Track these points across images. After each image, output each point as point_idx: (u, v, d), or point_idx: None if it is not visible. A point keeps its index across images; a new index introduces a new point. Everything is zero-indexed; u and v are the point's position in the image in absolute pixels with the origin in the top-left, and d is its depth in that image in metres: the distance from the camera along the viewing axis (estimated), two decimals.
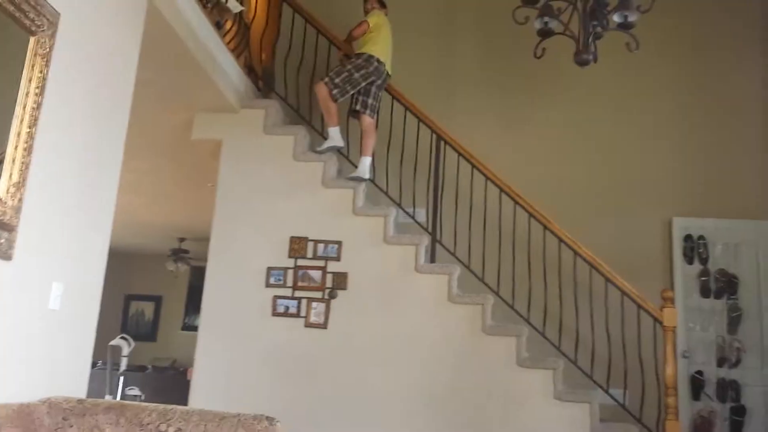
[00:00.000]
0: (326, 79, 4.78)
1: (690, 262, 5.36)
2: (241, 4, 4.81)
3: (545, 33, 3.85)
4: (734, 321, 5.23)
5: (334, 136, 4.86)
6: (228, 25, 4.76)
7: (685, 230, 5.40)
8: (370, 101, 4.89)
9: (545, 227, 4.66)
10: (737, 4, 5.78)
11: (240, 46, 4.92)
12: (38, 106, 2.52)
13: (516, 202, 4.73)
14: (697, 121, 5.61)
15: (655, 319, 4.27)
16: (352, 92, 4.82)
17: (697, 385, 5.15)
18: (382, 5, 5.03)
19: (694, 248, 5.37)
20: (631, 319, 4.47)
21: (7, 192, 2.39)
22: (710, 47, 5.73)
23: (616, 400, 4.42)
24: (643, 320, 4.42)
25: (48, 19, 2.54)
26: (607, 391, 4.43)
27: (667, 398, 4.13)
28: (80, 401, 2.54)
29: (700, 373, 5.17)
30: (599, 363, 4.55)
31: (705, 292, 5.31)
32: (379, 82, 4.88)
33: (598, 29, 3.71)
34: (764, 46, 5.66)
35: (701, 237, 5.37)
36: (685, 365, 5.16)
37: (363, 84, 4.80)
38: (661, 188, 5.50)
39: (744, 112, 5.60)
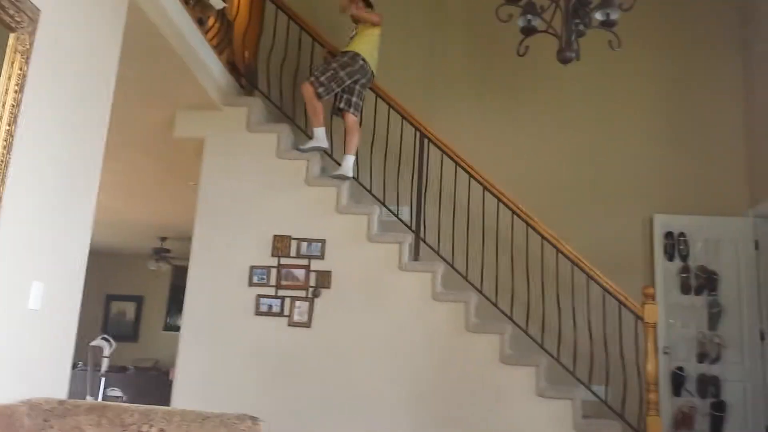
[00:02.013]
0: (311, 78, 4.76)
1: (671, 258, 5.42)
2: (224, 0, 4.78)
3: (528, 31, 3.87)
4: (714, 317, 5.29)
5: (320, 137, 4.85)
6: (211, 21, 4.72)
7: (666, 227, 5.45)
8: (354, 99, 4.88)
9: (528, 225, 4.68)
10: (717, 4, 5.84)
11: (223, 43, 4.89)
12: (18, 103, 2.48)
13: (499, 200, 4.75)
14: (678, 118, 5.67)
15: (637, 316, 4.31)
16: (337, 90, 4.81)
17: (677, 380, 5.21)
18: (368, 5, 5.02)
19: (675, 245, 5.42)
20: (612, 316, 4.51)
21: None
22: (690, 45, 5.79)
23: (598, 397, 4.45)
24: (624, 317, 4.46)
25: (28, 16, 2.51)
26: (589, 388, 4.46)
27: (649, 394, 4.17)
28: (61, 402, 2.52)
29: (680, 369, 5.23)
30: (581, 359, 4.58)
31: (685, 288, 5.36)
32: (363, 80, 4.87)
33: (581, 27, 3.74)
34: (742, 43, 5.73)
35: (681, 234, 5.43)
36: (666, 361, 5.22)
37: (348, 82, 4.80)
38: (642, 185, 5.55)
39: (723, 110, 5.66)
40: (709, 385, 5.19)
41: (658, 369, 4.26)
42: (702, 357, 5.24)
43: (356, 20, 4.91)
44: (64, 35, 2.81)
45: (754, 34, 5.57)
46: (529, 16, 3.84)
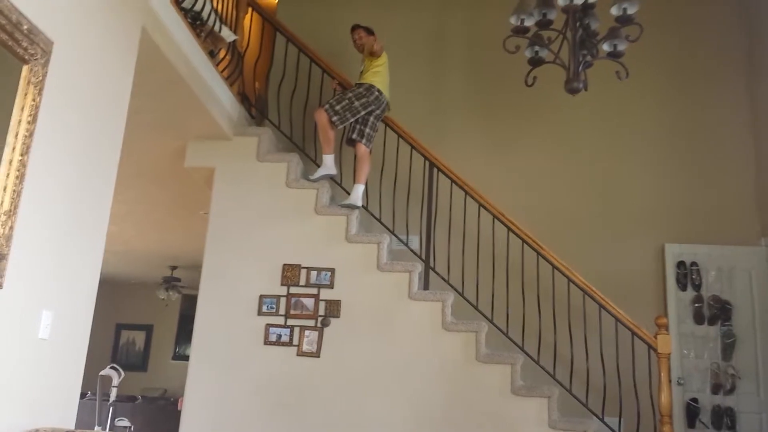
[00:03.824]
0: (326, 106, 4.81)
1: (683, 288, 5.36)
2: (235, 33, 4.85)
3: (536, 62, 3.89)
4: (728, 347, 5.21)
5: (328, 164, 4.88)
6: (222, 53, 4.80)
7: (678, 256, 5.41)
8: (367, 130, 4.92)
9: (538, 254, 4.66)
10: (723, 33, 5.87)
11: (234, 75, 4.96)
12: (30, 134, 2.51)
13: (509, 229, 4.74)
14: (687, 147, 5.66)
15: (650, 346, 4.26)
16: (351, 120, 4.85)
17: (692, 412, 5.12)
18: (370, 33, 5.08)
19: (687, 274, 5.37)
20: (625, 346, 4.45)
21: None
22: (698, 73, 5.80)
23: (611, 429, 4.38)
24: (637, 347, 4.41)
25: (41, 48, 2.55)
26: (602, 420, 4.40)
27: (663, 426, 4.09)
28: None
29: (695, 400, 5.14)
30: (594, 390, 4.52)
31: (699, 318, 5.30)
32: (378, 111, 4.92)
33: (588, 58, 3.75)
34: (750, 71, 5.73)
35: (694, 263, 5.38)
36: (680, 392, 5.14)
37: (362, 113, 4.85)
38: (653, 214, 5.53)
39: (733, 138, 5.65)
40: (724, 417, 5.09)
41: (671, 400, 4.19)
42: (716, 388, 5.16)
43: (370, 54, 4.95)
44: (76, 67, 2.86)
45: (761, 61, 5.58)
46: (537, 48, 3.87)
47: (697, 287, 5.35)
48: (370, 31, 5.09)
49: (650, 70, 5.66)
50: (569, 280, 4.56)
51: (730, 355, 5.21)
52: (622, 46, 3.74)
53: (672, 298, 5.34)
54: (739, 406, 5.12)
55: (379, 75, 4.92)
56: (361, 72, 5.01)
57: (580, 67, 3.69)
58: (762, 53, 5.58)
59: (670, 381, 4.21)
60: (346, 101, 4.81)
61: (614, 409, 4.45)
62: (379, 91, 4.87)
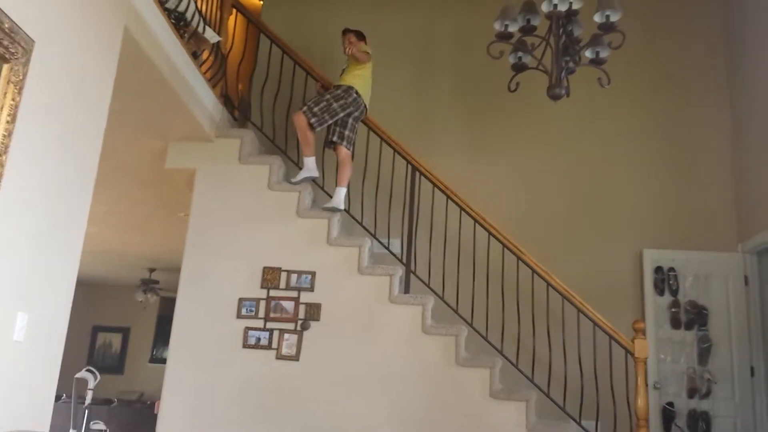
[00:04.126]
0: (305, 108, 4.80)
1: (661, 293, 5.43)
2: (219, 34, 4.83)
3: (519, 68, 3.93)
4: (705, 352, 5.28)
5: (310, 166, 4.88)
6: (205, 55, 4.77)
7: (656, 262, 5.47)
8: (346, 133, 4.92)
9: (519, 258, 4.69)
10: (705, 40, 5.96)
11: (217, 76, 4.93)
12: (9, 134, 2.48)
13: (490, 233, 4.76)
14: (667, 153, 5.73)
15: (627, 351, 4.30)
16: (330, 122, 4.85)
17: (668, 416, 5.17)
18: (360, 37, 5.08)
19: (665, 280, 5.44)
20: (603, 351, 4.49)
21: None
22: (678, 82, 5.88)
23: None
24: (615, 351, 4.45)
25: (22, 47, 2.52)
26: (579, 423, 4.43)
27: (639, 429, 4.13)
28: None
29: (671, 404, 5.20)
30: (572, 394, 4.55)
31: (676, 323, 5.36)
32: (356, 114, 4.92)
33: (571, 65, 3.79)
34: (730, 79, 5.82)
35: (671, 269, 5.45)
36: (657, 396, 5.19)
37: (341, 114, 4.84)
38: (632, 220, 5.59)
39: (712, 145, 5.74)
40: (699, 421, 5.16)
41: (648, 404, 4.22)
42: (692, 392, 5.23)
43: (354, 59, 4.94)
44: (57, 66, 2.82)
45: (742, 69, 5.67)
46: (520, 54, 3.90)
47: (675, 292, 5.42)
48: (360, 36, 5.09)
49: (631, 76, 5.73)
50: (548, 284, 4.59)
51: (706, 359, 5.28)
52: (604, 53, 3.78)
53: (650, 302, 5.40)
54: (715, 410, 5.19)
55: (359, 78, 4.92)
56: (342, 73, 5.00)
57: (563, 74, 3.72)
58: (743, 61, 5.68)
59: (646, 385, 4.25)
60: (324, 103, 4.80)
61: (591, 412, 4.49)
62: (357, 92, 4.87)
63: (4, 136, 2.45)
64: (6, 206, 2.50)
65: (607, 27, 3.68)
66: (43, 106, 2.72)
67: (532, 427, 4.24)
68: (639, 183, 5.68)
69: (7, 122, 2.47)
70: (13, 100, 2.49)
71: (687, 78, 5.89)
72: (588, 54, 3.77)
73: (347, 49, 4.93)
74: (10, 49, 2.46)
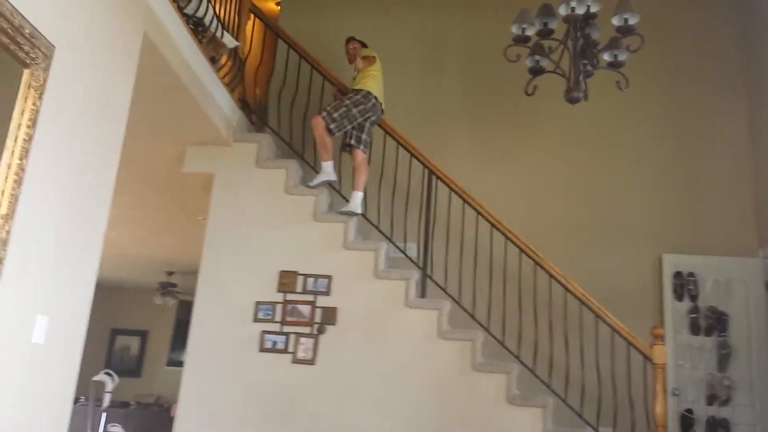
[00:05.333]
0: (324, 114, 4.82)
1: (680, 299, 5.37)
2: (237, 39, 4.86)
3: (536, 71, 3.91)
4: (724, 358, 5.21)
5: (328, 170, 4.89)
6: (223, 60, 4.80)
7: (675, 267, 5.42)
8: (363, 137, 4.93)
9: (536, 262, 4.66)
10: (722, 44, 5.90)
11: (234, 81, 4.96)
12: (29, 138, 2.51)
13: (507, 238, 4.74)
14: (686, 158, 5.67)
15: (645, 357, 4.26)
16: (348, 127, 4.86)
17: (687, 423, 5.11)
18: (364, 46, 5.12)
19: (684, 285, 5.38)
20: (621, 356, 4.45)
21: None
22: (695, 84, 5.82)
23: None
24: (633, 357, 4.40)
25: (43, 52, 2.55)
26: (596, 430, 4.39)
27: None
28: None
29: (689, 411, 5.14)
30: (589, 400, 4.51)
31: (695, 329, 5.30)
32: (374, 118, 4.94)
33: (589, 68, 3.77)
34: (749, 83, 5.76)
35: (691, 274, 5.39)
36: (675, 403, 5.13)
37: (359, 120, 4.86)
38: (651, 225, 5.54)
39: (731, 149, 5.67)
40: (718, 428, 5.09)
41: (666, 411, 4.18)
42: (711, 399, 5.16)
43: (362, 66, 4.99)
44: (77, 71, 2.86)
45: (760, 72, 5.60)
46: (537, 57, 3.88)
47: (694, 298, 5.36)
48: (364, 45, 5.12)
49: (649, 80, 5.68)
50: (566, 289, 4.56)
51: (725, 366, 5.21)
52: (622, 56, 3.75)
53: (668, 308, 5.34)
54: (734, 417, 5.12)
55: (374, 80, 4.94)
56: (355, 76, 5.02)
57: (581, 77, 3.70)
58: (761, 65, 5.61)
59: (665, 391, 4.21)
60: (344, 108, 4.82)
61: (609, 419, 4.44)
62: (375, 98, 4.89)
63: (25, 140, 2.48)
64: (26, 210, 2.53)
65: (625, 30, 3.65)
66: (63, 111, 2.75)
67: None
68: (658, 187, 5.62)
69: (28, 127, 2.50)
70: (33, 104, 2.53)
71: (705, 80, 5.83)
72: (606, 57, 3.75)
73: (355, 62, 4.96)
74: (31, 55, 2.49)
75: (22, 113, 2.48)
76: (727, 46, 5.89)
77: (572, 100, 3.73)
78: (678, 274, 5.40)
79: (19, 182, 2.46)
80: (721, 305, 5.33)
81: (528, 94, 3.90)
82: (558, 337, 4.69)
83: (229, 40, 4.65)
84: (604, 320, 4.44)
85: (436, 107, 6.00)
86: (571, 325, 4.69)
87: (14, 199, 2.44)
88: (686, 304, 5.36)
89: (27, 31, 2.44)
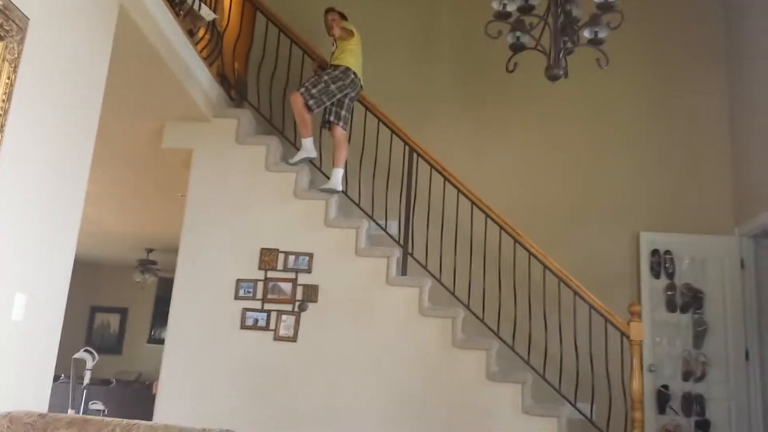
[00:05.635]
0: (302, 90, 4.77)
1: (657, 276, 5.44)
2: (214, 12, 4.78)
3: (517, 47, 3.89)
4: (700, 335, 5.31)
5: (308, 147, 4.86)
6: (201, 33, 4.72)
7: (652, 245, 5.48)
8: (343, 113, 4.90)
9: (516, 240, 4.69)
10: (702, 22, 5.92)
11: (213, 55, 4.89)
12: (4, 112, 2.46)
13: (487, 215, 4.76)
14: (664, 137, 5.72)
15: (623, 333, 4.32)
16: (327, 103, 4.82)
17: (663, 398, 5.21)
18: (343, 18, 5.04)
19: (661, 263, 5.45)
20: (598, 333, 4.51)
21: None
22: (675, 64, 5.85)
23: (583, 415, 4.45)
24: (610, 334, 4.47)
25: (17, 24, 2.49)
26: (574, 406, 4.46)
27: (634, 412, 4.16)
28: (42, 416, 2.47)
29: (665, 387, 5.24)
30: (567, 377, 4.58)
31: (671, 306, 5.38)
32: (353, 94, 4.90)
33: (569, 45, 3.76)
34: (728, 62, 5.80)
35: (668, 252, 5.46)
36: (652, 379, 5.22)
37: (338, 96, 4.81)
38: (629, 203, 5.59)
39: (710, 128, 5.72)
40: (693, 404, 5.20)
41: (643, 387, 4.25)
42: (687, 375, 5.25)
43: (340, 39, 4.91)
44: (52, 44, 2.80)
45: (739, 51, 5.64)
46: (518, 33, 3.86)
47: (671, 275, 5.43)
48: (343, 16, 5.04)
49: (628, 59, 5.69)
50: (545, 267, 4.60)
51: (701, 342, 5.30)
52: (603, 34, 3.74)
53: (646, 285, 5.41)
54: (709, 393, 5.22)
55: (353, 55, 4.87)
56: (333, 51, 4.95)
57: (561, 54, 3.70)
58: (741, 44, 5.65)
59: (642, 368, 4.28)
60: (322, 84, 4.77)
61: (587, 395, 4.52)
62: (354, 73, 4.84)
63: (0, 115, 2.44)
64: (2, 186, 2.49)
65: (605, 6, 3.64)
66: (38, 84, 2.70)
67: (527, 409, 4.27)
68: (636, 166, 5.67)
69: (2, 101, 2.45)
70: (8, 78, 2.48)
71: (685, 61, 5.85)
72: (586, 34, 3.74)
73: (333, 30, 4.88)
74: (5, 27, 2.44)
75: None
76: (707, 25, 5.91)
77: (552, 78, 3.72)
78: (655, 252, 5.46)
79: None
80: (697, 283, 5.41)
81: (509, 71, 3.89)
82: (537, 314, 4.74)
83: (206, 13, 4.58)
84: (582, 297, 4.49)
85: (423, 85, 5.97)
86: (550, 303, 4.75)
87: None
88: (663, 281, 5.43)
89: (0, 3, 2.38)
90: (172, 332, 4.59)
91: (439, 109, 5.89)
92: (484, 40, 3.97)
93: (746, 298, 5.31)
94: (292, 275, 4.61)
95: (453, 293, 4.69)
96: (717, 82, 5.80)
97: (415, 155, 4.94)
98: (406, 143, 4.96)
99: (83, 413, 7.74)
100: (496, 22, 3.81)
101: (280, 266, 4.62)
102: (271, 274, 4.62)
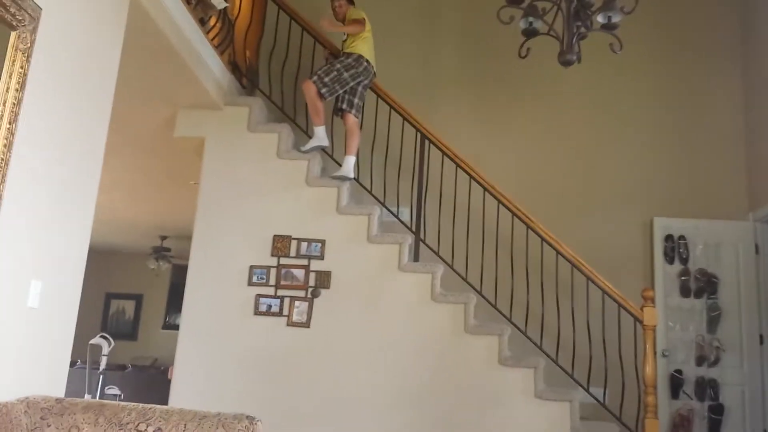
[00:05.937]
0: (315, 78, 4.75)
1: (671, 261, 5.42)
2: (226, 0, 4.78)
3: (530, 33, 3.85)
4: (713, 320, 5.29)
5: (320, 135, 4.85)
6: (212, 21, 4.72)
7: (666, 230, 5.45)
8: (356, 101, 4.89)
9: (528, 226, 4.68)
10: (716, 5, 5.85)
11: (224, 43, 4.89)
12: (18, 102, 2.48)
13: (499, 201, 4.75)
14: (678, 122, 5.67)
15: (636, 318, 4.31)
16: (340, 92, 4.81)
17: (676, 383, 5.20)
18: (351, 3, 5.00)
19: (675, 248, 5.42)
20: (611, 318, 4.50)
21: None
22: (690, 48, 5.79)
23: (596, 399, 4.46)
24: (623, 319, 4.46)
25: (29, 14, 2.51)
26: (587, 390, 4.46)
27: (647, 397, 4.16)
28: (59, 400, 2.51)
29: (679, 371, 5.23)
30: (580, 361, 4.58)
31: (685, 291, 5.36)
32: (366, 82, 4.88)
33: (582, 30, 3.72)
34: (744, 48, 5.73)
35: (682, 237, 5.43)
36: (665, 364, 5.22)
37: (351, 84, 4.80)
38: (643, 188, 5.55)
39: (724, 113, 5.66)
40: (707, 388, 5.19)
41: (656, 372, 4.25)
42: (701, 360, 5.24)
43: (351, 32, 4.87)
44: (65, 34, 2.81)
45: (754, 35, 5.57)
46: (531, 19, 3.83)
47: (685, 261, 5.40)
48: (351, 2, 5.00)
49: (642, 45, 5.63)
50: (558, 252, 4.59)
51: (714, 328, 5.29)
52: (616, 18, 3.70)
53: (659, 271, 5.40)
54: (723, 378, 5.21)
55: (366, 42, 4.84)
56: (345, 38, 4.93)
57: (574, 39, 3.66)
58: (755, 27, 5.57)
59: (655, 353, 4.28)
60: (335, 73, 4.75)
61: (599, 379, 4.52)
62: (367, 61, 4.82)
63: (14, 104, 2.46)
64: (17, 175, 2.51)
65: None
66: (51, 73, 2.72)
67: (539, 394, 4.28)
68: (650, 151, 5.63)
69: (16, 90, 2.47)
70: (21, 67, 2.50)
71: (698, 44, 5.79)
72: (600, 19, 3.70)
73: (339, 15, 4.84)
74: (18, 17, 2.45)
75: (10, 76, 2.45)
76: (722, 11, 5.84)
77: (565, 63, 3.69)
78: (669, 237, 5.44)
79: (8, 146, 2.45)
80: (711, 268, 5.38)
81: (521, 57, 3.86)
82: (549, 299, 4.74)
83: (218, 1, 4.57)
84: (596, 283, 4.48)
85: (431, 70, 5.94)
86: (563, 288, 4.74)
87: (4, 163, 2.43)
88: (677, 266, 5.41)
89: None
90: (186, 318, 4.63)
91: (446, 93, 5.86)
92: (490, 23, 3.94)
93: (760, 283, 5.28)
94: (304, 262, 4.63)
95: (465, 279, 4.69)
96: (731, 65, 5.73)
97: (426, 142, 4.93)
98: (417, 130, 4.95)
99: (99, 398, 7.84)
100: (508, 8, 3.77)
101: (292, 253, 4.65)
102: (284, 261, 4.65)
